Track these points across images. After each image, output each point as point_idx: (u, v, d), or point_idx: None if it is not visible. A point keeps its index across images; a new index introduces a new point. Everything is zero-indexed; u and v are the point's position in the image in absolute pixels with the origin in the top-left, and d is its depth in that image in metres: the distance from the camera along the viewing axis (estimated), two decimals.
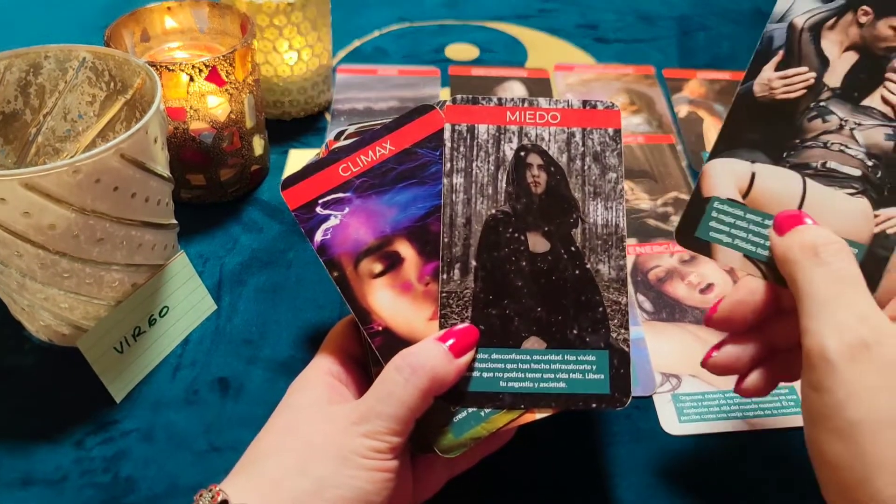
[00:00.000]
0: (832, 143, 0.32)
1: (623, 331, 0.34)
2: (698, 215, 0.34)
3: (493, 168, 0.35)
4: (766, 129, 0.33)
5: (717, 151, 0.34)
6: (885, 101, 0.32)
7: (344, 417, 0.30)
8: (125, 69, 0.43)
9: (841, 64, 0.33)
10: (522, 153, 0.35)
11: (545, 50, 0.76)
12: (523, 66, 0.73)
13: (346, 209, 0.35)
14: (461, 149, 0.35)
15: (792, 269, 0.30)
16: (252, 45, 0.51)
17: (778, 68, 0.33)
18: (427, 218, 0.35)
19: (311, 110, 0.64)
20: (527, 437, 0.37)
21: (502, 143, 0.35)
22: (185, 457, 0.39)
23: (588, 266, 0.34)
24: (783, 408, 0.42)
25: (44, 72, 0.43)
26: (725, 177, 0.33)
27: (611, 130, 0.36)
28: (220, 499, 0.28)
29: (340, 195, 0.35)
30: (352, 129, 0.41)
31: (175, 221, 0.44)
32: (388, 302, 0.34)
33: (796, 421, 0.42)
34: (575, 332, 0.33)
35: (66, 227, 0.36)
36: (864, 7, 0.33)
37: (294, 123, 0.63)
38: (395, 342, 0.33)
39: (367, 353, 0.34)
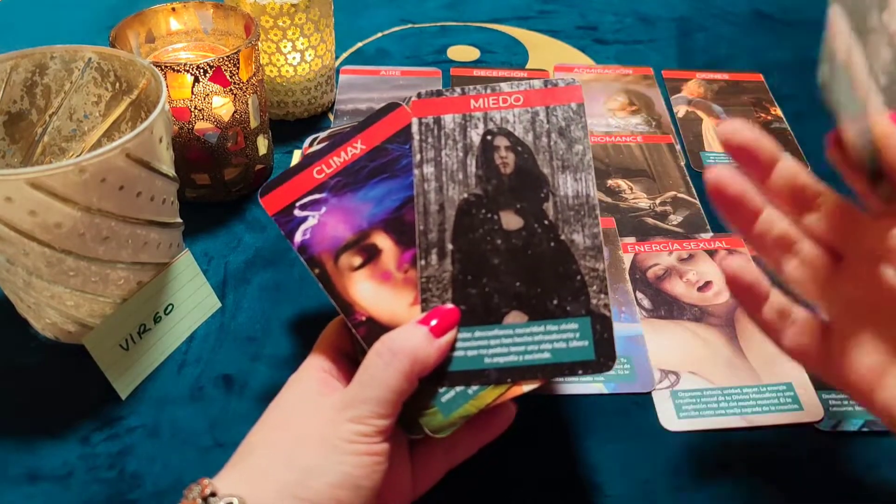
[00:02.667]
0: None
1: (603, 296, 0.34)
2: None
3: (461, 154, 0.36)
4: None
5: None
6: None
7: (330, 406, 0.31)
8: (130, 70, 0.44)
9: None
10: (489, 137, 0.36)
11: (545, 51, 0.76)
12: (524, 67, 0.74)
13: (323, 209, 0.36)
14: (429, 140, 0.36)
15: None
16: (256, 46, 0.51)
17: None
18: (401, 209, 0.36)
19: (315, 111, 0.64)
20: (526, 433, 0.37)
21: (469, 129, 0.36)
22: (190, 453, 0.39)
23: (563, 237, 0.35)
24: (780, 405, 0.43)
25: (49, 72, 0.44)
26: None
27: (574, 105, 0.36)
28: (208, 491, 0.29)
29: (317, 196, 0.36)
30: (323, 134, 0.42)
31: (180, 220, 0.44)
32: (369, 292, 0.35)
33: (793, 418, 0.42)
34: (555, 302, 0.34)
35: (71, 225, 0.36)
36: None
37: (298, 124, 0.64)
38: (378, 330, 0.34)
39: (356, 347, 0.35)
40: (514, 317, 0.34)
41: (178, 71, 0.47)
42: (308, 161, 0.37)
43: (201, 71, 0.48)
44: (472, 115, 0.37)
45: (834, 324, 0.30)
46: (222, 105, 0.51)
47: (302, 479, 0.29)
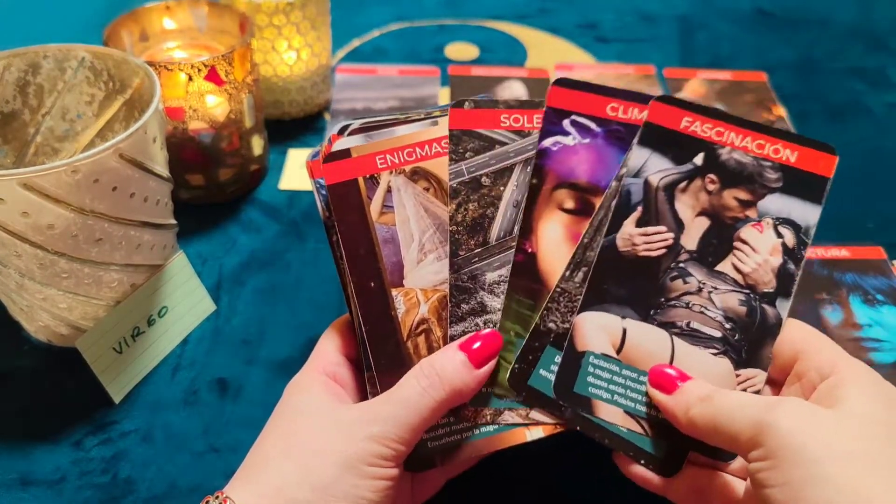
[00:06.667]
0: (693, 304, 0.33)
1: None
2: (575, 369, 0.33)
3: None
4: (632, 286, 0.33)
5: (588, 304, 0.33)
6: (735, 268, 0.34)
7: (350, 421, 0.30)
8: (124, 69, 0.43)
9: (695, 228, 0.34)
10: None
11: (545, 49, 0.76)
12: (523, 65, 0.73)
13: (587, 140, 0.35)
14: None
15: (706, 421, 0.29)
16: (251, 45, 0.51)
17: (638, 224, 0.34)
18: None
19: (311, 110, 0.64)
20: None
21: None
22: (184, 458, 0.39)
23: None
24: None
25: (42, 71, 0.43)
26: (598, 331, 0.33)
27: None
28: None
29: (593, 125, 0.35)
30: (356, 124, 0.41)
31: (174, 221, 0.44)
32: (553, 235, 0.34)
33: None
34: None
35: (64, 227, 0.36)
36: (711, 175, 0.34)
37: (293, 123, 0.63)
38: (531, 269, 0.34)
39: (361, 354, 0.34)
40: None
41: (172, 70, 0.47)
42: (609, 91, 0.35)
43: (196, 70, 0.47)
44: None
45: None
46: (217, 104, 0.51)
47: (316, 498, 0.29)
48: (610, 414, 0.33)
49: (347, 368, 0.34)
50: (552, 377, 0.33)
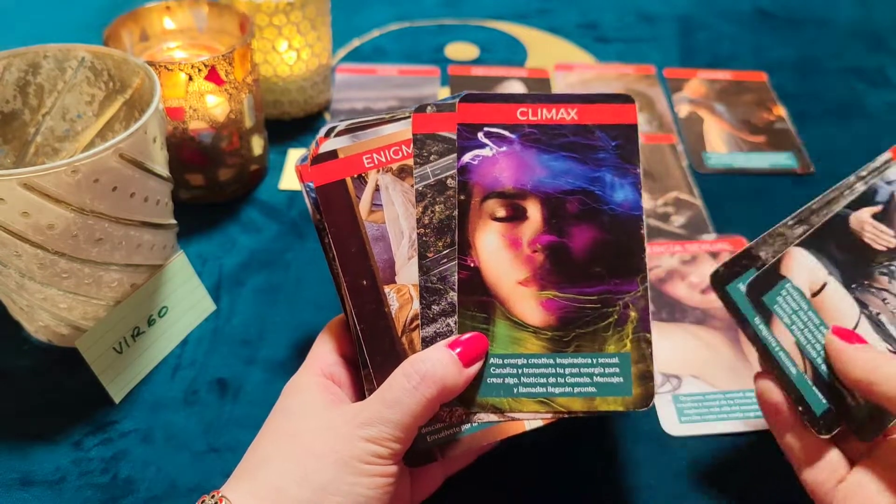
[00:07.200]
0: (889, 302, 0.35)
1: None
2: (770, 285, 0.36)
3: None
4: (848, 256, 0.36)
5: (807, 244, 0.36)
6: None
7: (345, 423, 0.30)
8: (124, 69, 0.43)
9: None
10: None
11: (545, 49, 0.76)
12: (523, 65, 0.73)
13: (504, 148, 0.35)
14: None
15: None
16: (251, 45, 0.51)
17: (874, 217, 0.37)
18: (569, 195, 0.35)
19: (311, 110, 0.64)
20: (524, 438, 0.37)
21: None
22: (184, 458, 0.39)
23: None
24: None
25: (42, 71, 0.43)
26: (804, 269, 0.36)
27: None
28: None
29: (506, 133, 0.36)
30: (342, 125, 0.41)
31: (174, 221, 0.44)
32: (492, 246, 0.34)
33: None
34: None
35: (64, 226, 0.36)
36: None
37: (293, 123, 0.63)
38: (477, 283, 0.34)
39: (357, 352, 0.34)
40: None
41: (173, 70, 0.47)
42: (517, 98, 0.36)
43: (196, 70, 0.47)
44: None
45: None
46: (217, 104, 0.51)
47: (315, 498, 0.29)
48: (783, 337, 0.35)
49: (344, 368, 0.34)
50: (745, 289, 0.36)
